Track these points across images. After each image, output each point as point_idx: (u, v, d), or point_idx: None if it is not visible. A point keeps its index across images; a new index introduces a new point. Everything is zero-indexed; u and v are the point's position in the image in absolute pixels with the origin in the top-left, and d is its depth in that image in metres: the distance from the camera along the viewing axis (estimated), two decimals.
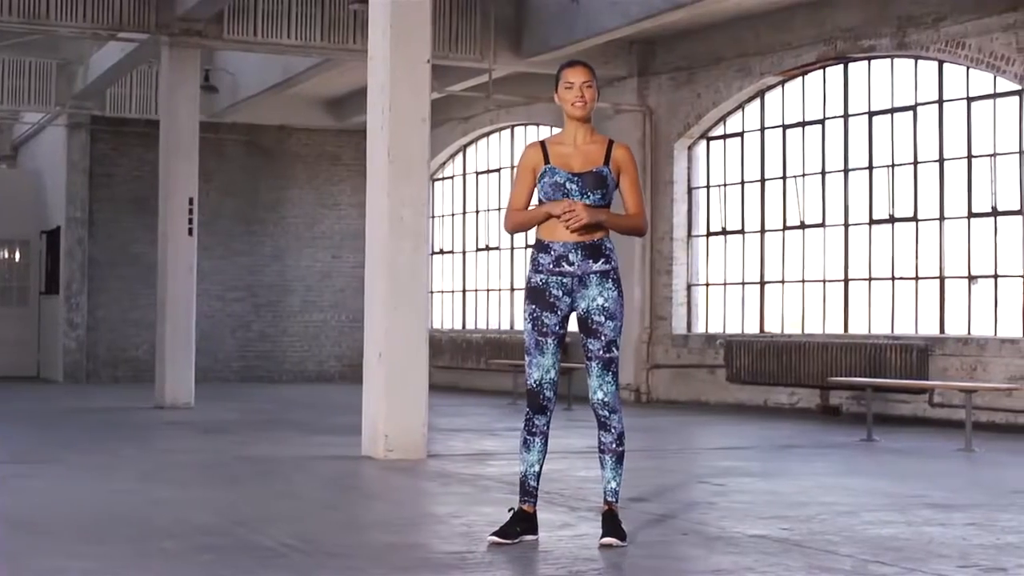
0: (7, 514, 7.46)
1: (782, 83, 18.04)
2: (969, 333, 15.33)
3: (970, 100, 15.39)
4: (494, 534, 6.54)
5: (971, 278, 15.42)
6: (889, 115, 16.42)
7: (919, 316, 16.04)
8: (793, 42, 17.42)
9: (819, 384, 16.68)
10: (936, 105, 15.79)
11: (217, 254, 24.08)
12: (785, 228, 17.93)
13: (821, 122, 17.44)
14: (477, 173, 24.59)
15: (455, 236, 24.95)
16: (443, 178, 25.48)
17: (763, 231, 18.30)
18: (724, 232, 18.90)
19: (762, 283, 18.32)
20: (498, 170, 23.92)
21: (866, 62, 16.74)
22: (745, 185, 18.61)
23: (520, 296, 23.26)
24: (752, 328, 18.44)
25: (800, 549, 6.44)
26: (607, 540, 6.46)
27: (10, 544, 6.43)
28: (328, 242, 25.60)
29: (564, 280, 6.48)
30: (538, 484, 6.67)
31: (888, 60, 16.42)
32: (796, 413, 17.02)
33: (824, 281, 17.36)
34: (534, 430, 6.60)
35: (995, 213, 15.09)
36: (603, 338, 6.47)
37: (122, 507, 7.76)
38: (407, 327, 10.85)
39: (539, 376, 6.53)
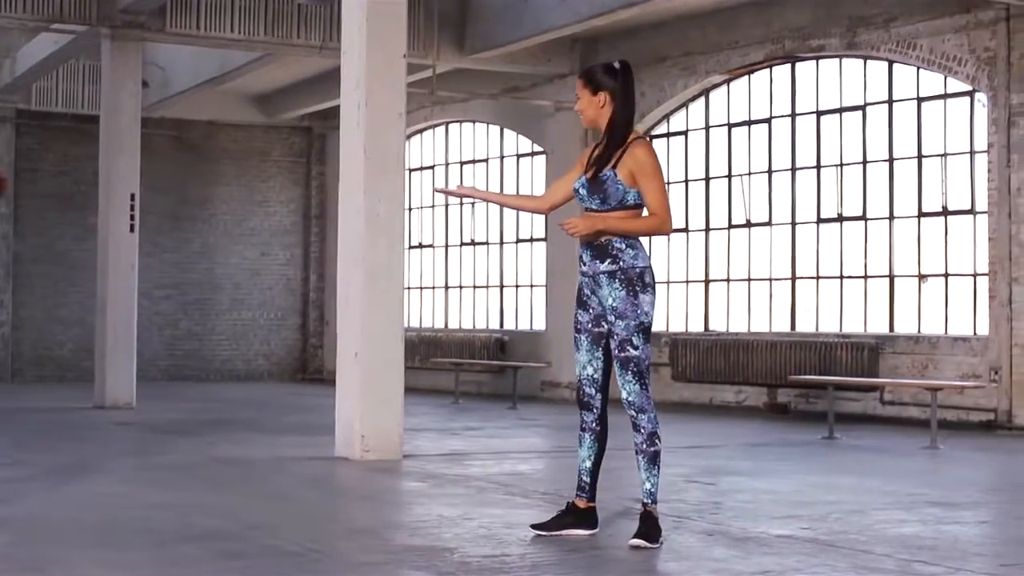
0: (4, 519, 7.19)
1: (727, 82, 18.08)
2: (919, 331, 15.47)
3: (920, 100, 15.53)
4: (534, 525, 6.72)
5: (921, 277, 15.56)
6: (838, 114, 16.52)
7: (868, 314, 16.16)
8: (740, 41, 17.46)
9: (768, 382, 16.75)
10: (886, 105, 15.91)
11: (145, 251, 23.35)
12: (731, 227, 17.98)
13: (768, 121, 17.51)
14: (411, 170, 24.37)
15: None
16: None
17: (708, 229, 18.34)
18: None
19: (707, 281, 18.36)
20: (432, 167, 23.75)
21: (814, 61, 16.83)
22: (689, 183, 18.64)
23: (454, 294, 23.15)
24: (697, 326, 18.47)
25: (835, 549, 6.40)
26: (635, 541, 6.40)
27: (28, 552, 6.18)
28: (257, 239, 25.27)
29: (586, 280, 6.61)
30: (592, 480, 6.68)
31: (836, 60, 16.52)
32: (743, 411, 17.07)
33: (771, 280, 17.44)
34: (583, 426, 6.71)
35: (945, 212, 15.24)
36: (616, 338, 6.47)
37: (120, 512, 7.52)
38: (383, 326, 10.70)
39: (578, 372, 6.69)
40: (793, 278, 17.10)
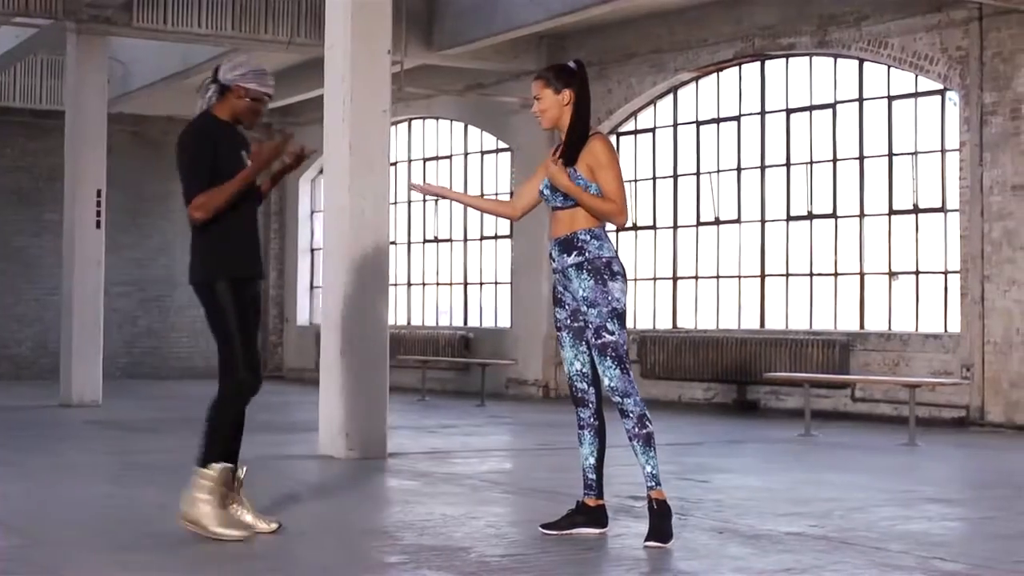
0: (7, 521, 7.08)
1: (696, 79, 18.11)
2: (890, 329, 15.55)
3: (891, 99, 15.61)
4: (544, 525, 6.67)
5: (891, 274, 15.64)
6: (808, 112, 16.58)
7: (838, 312, 16.22)
8: (710, 39, 17.49)
9: (738, 379, 16.80)
10: (856, 103, 15.99)
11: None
12: (699, 224, 18.00)
13: (737, 119, 17.55)
14: None
15: None
16: None
17: (676, 227, 18.36)
18: (635, 227, 18.90)
19: (675, 278, 18.38)
20: (395, 164, 23.62)
21: (784, 59, 16.88)
22: (657, 180, 18.65)
23: (418, 291, 23.08)
24: (665, 324, 18.48)
25: (849, 546, 6.40)
26: (651, 543, 6.38)
27: (45, 555, 6.08)
28: None
29: (558, 276, 6.68)
30: (597, 477, 6.69)
31: (807, 58, 16.58)
32: (713, 408, 17.10)
33: (739, 277, 17.48)
34: (581, 423, 6.73)
35: (916, 210, 15.32)
36: (591, 326, 6.53)
37: (122, 513, 7.43)
38: (369, 324, 10.64)
39: (566, 370, 6.74)
40: (763, 275, 17.15)
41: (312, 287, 25.51)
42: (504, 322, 20.86)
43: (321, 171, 25.38)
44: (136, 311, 24.28)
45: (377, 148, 10.72)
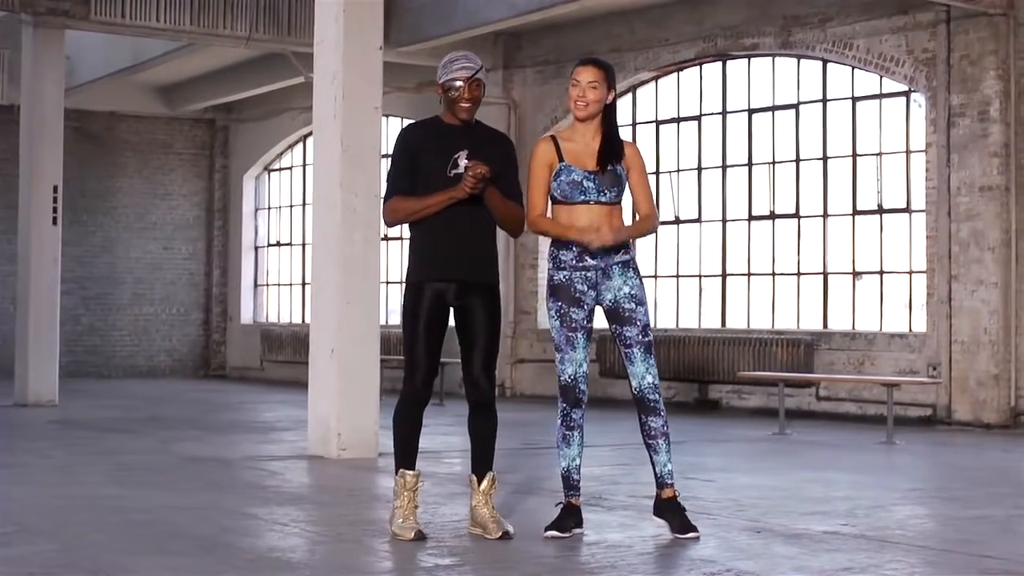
0: (22, 523, 6.91)
1: (655, 79, 18.14)
2: (854, 328, 15.68)
3: (855, 100, 15.73)
4: (550, 528, 6.61)
5: (855, 274, 15.77)
6: (770, 112, 16.67)
7: (801, 311, 16.33)
8: (671, 39, 17.53)
9: (699, 378, 16.86)
10: (820, 104, 16.10)
11: None
12: (659, 223, 18.01)
13: (698, 118, 17.61)
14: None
15: (293, 228, 24.43)
16: (280, 169, 24.92)
17: None
18: None
19: None
20: None
21: (746, 60, 16.96)
22: None
23: None
24: None
25: (893, 545, 6.42)
26: (691, 535, 6.52)
27: (86, 559, 5.93)
28: (159, 233, 24.76)
29: (588, 274, 6.60)
30: (580, 476, 6.74)
31: (769, 58, 16.67)
32: (673, 407, 17.07)
33: (700, 276, 17.54)
34: (572, 424, 6.70)
35: (881, 211, 15.46)
36: (639, 323, 6.61)
37: (140, 515, 7.24)
38: (360, 322, 10.54)
39: (573, 371, 6.64)
40: (724, 275, 17.22)
41: (256, 285, 25.28)
42: None
43: (266, 168, 25.23)
44: (78, 309, 23.91)
45: (369, 145, 10.63)
